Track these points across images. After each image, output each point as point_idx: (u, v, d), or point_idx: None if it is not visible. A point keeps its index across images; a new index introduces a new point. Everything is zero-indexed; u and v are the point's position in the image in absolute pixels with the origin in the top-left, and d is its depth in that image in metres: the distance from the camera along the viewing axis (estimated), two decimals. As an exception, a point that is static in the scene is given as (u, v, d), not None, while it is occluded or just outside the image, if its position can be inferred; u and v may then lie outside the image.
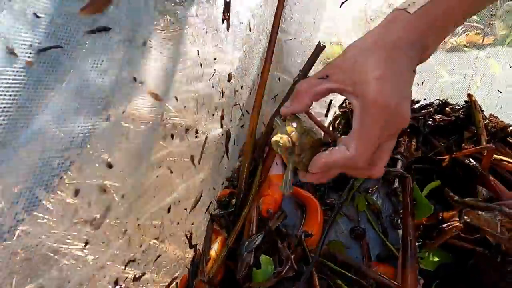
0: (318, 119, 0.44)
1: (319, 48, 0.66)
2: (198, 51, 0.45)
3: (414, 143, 0.77)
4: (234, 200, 0.61)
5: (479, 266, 0.54)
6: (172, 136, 0.43)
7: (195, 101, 0.47)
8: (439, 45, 0.39)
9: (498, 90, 0.76)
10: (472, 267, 0.55)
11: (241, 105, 0.62)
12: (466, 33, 0.87)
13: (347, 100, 0.84)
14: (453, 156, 0.71)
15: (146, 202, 0.41)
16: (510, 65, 0.72)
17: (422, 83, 0.84)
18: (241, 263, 0.50)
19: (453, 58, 0.88)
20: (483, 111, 0.75)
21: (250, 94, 0.64)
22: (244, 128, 0.65)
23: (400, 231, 0.70)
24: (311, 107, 0.41)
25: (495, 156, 0.70)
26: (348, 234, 0.68)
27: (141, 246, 0.41)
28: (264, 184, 0.70)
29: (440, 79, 0.91)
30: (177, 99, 0.43)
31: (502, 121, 0.74)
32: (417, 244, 0.63)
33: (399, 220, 0.70)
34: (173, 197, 0.45)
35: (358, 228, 0.67)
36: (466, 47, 0.90)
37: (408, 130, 0.78)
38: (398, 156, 0.70)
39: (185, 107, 0.46)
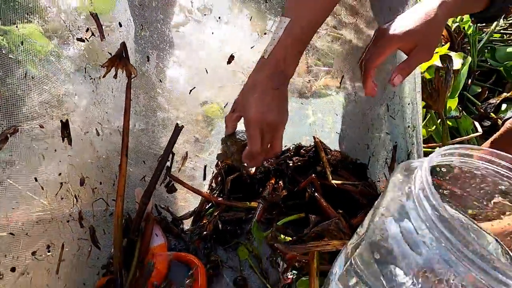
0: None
1: (178, 130, 0.74)
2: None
3: (281, 184, 0.89)
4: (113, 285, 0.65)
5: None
6: (14, 269, 0.47)
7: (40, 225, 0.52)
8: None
9: (337, 132, 0.93)
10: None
11: (104, 198, 0.67)
12: (325, 77, 1.04)
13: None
14: (311, 190, 0.84)
15: None
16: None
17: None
18: None
19: (315, 100, 1.03)
20: (330, 149, 0.91)
21: (114, 184, 0.69)
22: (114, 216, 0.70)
23: (279, 268, 0.80)
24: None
25: (340, 182, 0.85)
26: (232, 286, 0.76)
27: None
28: (147, 258, 0.75)
29: (308, 119, 1.07)
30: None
31: (343, 154, 0.91)
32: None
33: (278, 259, 0.81)
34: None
35: (240, 278, 0.75)
36: (323, 89, 1.06)
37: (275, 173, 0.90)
38: (260, 200, 0.81)
39: (27, 234, 0.50)
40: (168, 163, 0.81)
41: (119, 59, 0.62)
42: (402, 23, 0.58)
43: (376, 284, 0.39)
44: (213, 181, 0.92)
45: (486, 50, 1.67)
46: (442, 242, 0.30)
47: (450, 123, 1.34)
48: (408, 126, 0.72)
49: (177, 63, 0.74)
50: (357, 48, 0.76)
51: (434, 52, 0.58)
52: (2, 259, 0.47)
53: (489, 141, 0.94)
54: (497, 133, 0.92)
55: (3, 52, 0.46)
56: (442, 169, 0.46)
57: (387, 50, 0.58)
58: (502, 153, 0.41)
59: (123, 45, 0.62)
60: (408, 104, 0.71)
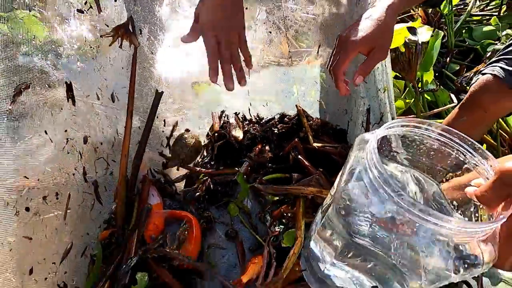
0: None
1: (159, 94, 0.81)
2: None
3: (268, 148, 0.96)
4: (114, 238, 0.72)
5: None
6: (28, 209, 0.54)
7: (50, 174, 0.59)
8: None
9: (318, 100, 1.00)
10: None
11: (105, 157, 0.75)
12: (307, 57, 1.11)
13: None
14: (295, 153, 0.92)
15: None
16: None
17: (267, 103, 1.05)
18: (117, 284, 0.61)
19: (298, 74, 1.11)
20: (312, 117, 0.98)
21: (112, 146, 0.77)
22: (113, 175, 0.77)
23: (267, 223, 0.88)
24: None
25: (321, 145, 0.93)
26: (224, 238, 0.83)
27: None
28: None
29: (293, 94, 1.15)
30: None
31: (323, 121, 0.99)
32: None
33: (267, 215, 0.88)
34: (34, 259, 0.55)
35: (231, 230, 0.83)
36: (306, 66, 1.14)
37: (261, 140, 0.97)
38: (246, 159, 0.88)
39: (38, 180, 0.57)
40: (164, 149, 0.88)
41: (126, 31, 0.70)
42: (359, 29, 0.67)
43: (343, 231, 0.48)
44: (204, 150, 0.99)
45: (464, 30, 1.76)
46: (381, 190, 0.40)
47: (429, 97, 1.43)
48: (379, 89, 0.80)
49: (167, 37, 0.81)
50: (329, 18, 0.84)
51: (388, 51, 0.68)
52: (18, 198, 0.54)
53: (457, 106, 1.02)
54: (464, 98, 1.00)
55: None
56: (409, 139, 0.54)
57: (350, 55, 0.67)
58: (427, 120, 0.50)
59: (131, 18, 0.70)
60: (378, 67, 0.78)
